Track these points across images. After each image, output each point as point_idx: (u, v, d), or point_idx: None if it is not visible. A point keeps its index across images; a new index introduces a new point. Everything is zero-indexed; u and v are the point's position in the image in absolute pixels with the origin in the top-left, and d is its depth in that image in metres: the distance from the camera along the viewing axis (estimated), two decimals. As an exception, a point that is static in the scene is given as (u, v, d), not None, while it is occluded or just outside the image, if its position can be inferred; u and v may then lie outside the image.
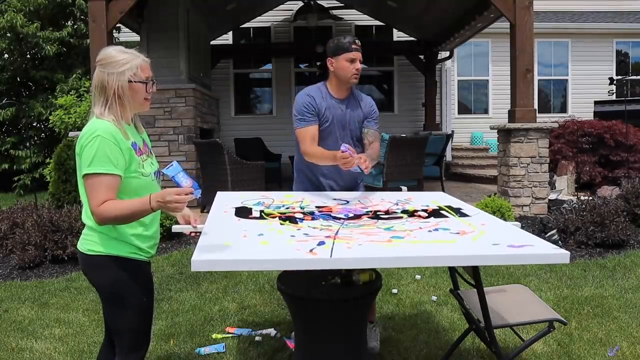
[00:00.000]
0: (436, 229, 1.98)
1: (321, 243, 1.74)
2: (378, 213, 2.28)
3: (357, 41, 2.61)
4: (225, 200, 2.59)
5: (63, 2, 9.29)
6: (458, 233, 1.93)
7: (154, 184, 1.87)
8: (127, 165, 1.74)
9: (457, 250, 1.72)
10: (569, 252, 1.69)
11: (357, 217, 2.20)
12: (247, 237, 1.83)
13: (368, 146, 2.72)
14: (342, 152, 2.34)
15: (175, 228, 2.14)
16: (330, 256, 1.61)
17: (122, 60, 1.76)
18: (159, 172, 1.95)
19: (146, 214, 1.68)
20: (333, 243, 1.75)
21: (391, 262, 1.70)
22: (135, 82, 1.76)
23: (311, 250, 1.65)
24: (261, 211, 2.29)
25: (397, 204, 2.49)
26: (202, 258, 1.55)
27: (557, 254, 1.68)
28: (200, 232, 1.94)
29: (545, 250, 1.71)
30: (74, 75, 8.76)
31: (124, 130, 1.77)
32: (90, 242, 1.78)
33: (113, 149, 1.68)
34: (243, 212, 2.28)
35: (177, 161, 1.82)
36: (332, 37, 2.72)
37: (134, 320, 1.81)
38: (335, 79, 2.67)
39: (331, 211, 2.30)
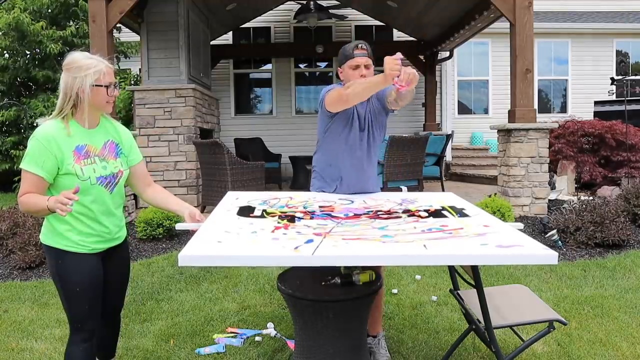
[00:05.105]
0: (430, 229, 1.96)
1: (309, 241, 1.76)
2: (378, 213, 2.28)
3: (361, 45, 2.50)
4: (232, 199, 2.61)
5: (66, 2, 9.31)
6: (450, 233, 1.90)
7: (93, 188, 1.95)
8: (59, 165, 1.89)
9: (438, 250, 1.69)
10: (557, 253, 1.64)
11: (356, 216, 2.20)
12: (240, 235, 1.86)
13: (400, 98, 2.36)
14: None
15: (179, 226, 2.17)
16: (312, 254, 1.61)
17: (86, 65, 1.90)
18: (113, 176, 2.02)
19: (45, 212, 1.81)
20: (321, 241, 1.76)
21: (368, 260, 1.69)
22: (96, 85, 1.91)
23: (296, 248, 1.67)
24: (263, 210, 2.30)
25: (401, 204, 2.47)
26: (188, 254, 1.61)
27: (544, 255, 1.64)
28: None
29: (532, 251, 1.67)
30: None
31: (69, 132, 1.92)
32: (42, 233, 2.01)
33: (43, 152, 1.86)
34: (245, 211, 2.29)
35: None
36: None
37: (69, 306, 1.99)
38: None
39: (333, 210, 2.30)
